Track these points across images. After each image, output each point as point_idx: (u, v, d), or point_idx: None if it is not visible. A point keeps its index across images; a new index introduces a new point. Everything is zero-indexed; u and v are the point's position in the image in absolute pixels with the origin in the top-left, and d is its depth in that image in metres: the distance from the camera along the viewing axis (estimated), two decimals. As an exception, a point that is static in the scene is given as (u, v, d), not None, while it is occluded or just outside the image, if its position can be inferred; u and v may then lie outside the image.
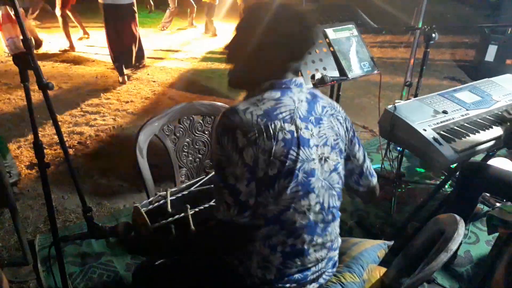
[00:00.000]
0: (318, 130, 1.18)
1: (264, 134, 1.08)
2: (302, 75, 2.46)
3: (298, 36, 1.16)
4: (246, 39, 1.16)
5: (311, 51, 2.60)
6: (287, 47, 1.16)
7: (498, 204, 2.58)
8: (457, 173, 2.22)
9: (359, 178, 1.34)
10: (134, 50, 5.07)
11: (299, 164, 1.11)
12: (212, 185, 1.49)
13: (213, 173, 1.36)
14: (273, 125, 1.09)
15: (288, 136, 1.10)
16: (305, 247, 1.20)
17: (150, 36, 6.98)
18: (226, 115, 1.11)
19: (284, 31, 1.13)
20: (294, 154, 1.10)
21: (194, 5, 7.41)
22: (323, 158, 1.18)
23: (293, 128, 1.11)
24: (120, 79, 4.90)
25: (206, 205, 1.39)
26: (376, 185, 1.40)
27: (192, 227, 1.29)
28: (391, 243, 1.59)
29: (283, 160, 1.09)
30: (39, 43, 5.94)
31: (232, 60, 1.25)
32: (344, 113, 1.30)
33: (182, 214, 1.33)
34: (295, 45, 1.17)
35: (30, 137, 3.44)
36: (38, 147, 1.39)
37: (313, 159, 1.15)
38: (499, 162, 2.61)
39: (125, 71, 4.97)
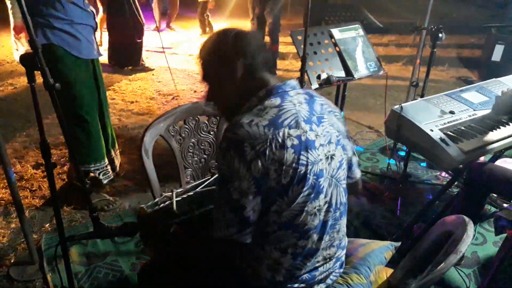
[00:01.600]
0: (321, 129, 1.18)
1: (273, 145, 1.07)
2: (308, 76, 2.46)
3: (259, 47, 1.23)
4: (213, 66, 1.24)
5: (317, 51, 2.61)
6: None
7: (505, 205, 2.56)
8: (464, 173, 2.20)
9: (348, 171, 1.35)
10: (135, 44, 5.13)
11: (309, 167, 1.11)
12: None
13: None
14: (280, 134, 1.08)
15: (296, 141, 1.09)
16: (314, 246, 1.20)
17: (154, 36, 6.99)
18: (230, 129, 1.10)
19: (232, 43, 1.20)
20: (304, 159, 1.10)
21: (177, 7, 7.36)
22: (329, 156, 1.18)
23: (299, 132, 1.11)
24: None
25: (212, 206, 1.39)
26: (359, 179, 1.42)
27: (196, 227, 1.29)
28: (398, 244, 1.58)
29: (295, 167, 1.08)
30: None
31: (214, 92, 1.29)
32: (338, 109, 1.32)
33: (188, 215, 1.33)
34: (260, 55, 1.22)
35: (36, 137, 3.45)
36: (45, 147, 1.39)
37: (321, 159, 1.14)
38: (506, 163, 2.59)
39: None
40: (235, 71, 1.19)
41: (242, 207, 1.08)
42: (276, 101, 1.15)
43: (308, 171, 1.10)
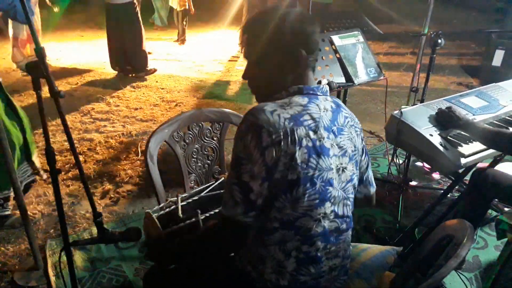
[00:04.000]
0: (338, 141, 1.19)
1: (289, 138, 1.08)
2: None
3: (307, 33, 1.19)
4: (264, 48, 1.19)
5: (317, 57, 2.63)
6: (301, 46, 1.18)
7: (506, 209, 2.57)
8: (464, 178, 2.21)
9: (358, 185, 1.35)
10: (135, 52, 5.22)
11: (318, 173, 1.12)
12: (222, 191, 1.51)
13: (223, 181, 1.39)
14: (298, 131, 1.09)
15: (311, 144, 1.11)
16: (319, 254, 1.20)
17: (158, 45, 7.05)
18: (252, 113, 1.11)
19: (296, 31, 1.17)
20: (315, 162, 1.11)
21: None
22: (341, 168, 1.19)
23: (316, 136, 1.12)
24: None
25: (217, 210, 1.41)
26: (373, 195, 1.41)
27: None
28: (400, 249, 1.59)
29: (302, 167, 1.10)
30: None
31: (253, 72, 1.25)
32: (360, 125, 1.32)
33: (193, 219, 1.35)
34: (307, 41, 1.20)
35: (41, 144, 3.49)
36: (50, 153, 1.42)
37: (332, 169, 1.16)
38: (506, 167, 2.60)
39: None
40: (289, 61, 1.19)
41: (250, 189, 1.10)
42: (303, 100, 1.16)
43: (316, 175, 1.12)
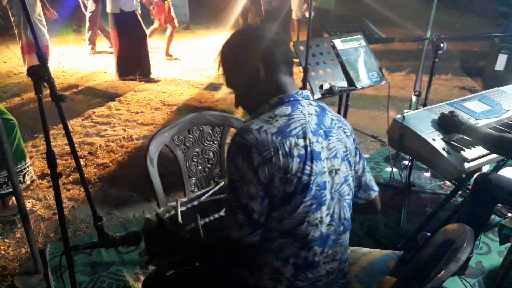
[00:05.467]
0: (327, 143, 1.18)
1: (280, 152, 1.08)
2: (311, 86, 2.48)
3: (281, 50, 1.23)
4: (240, 64, 1.23)
5: (319, 61, 2.63)
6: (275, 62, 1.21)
7: (510, 214, 2.55)
8: (467, 182, 2.20)
9: (358, 191, 1.34)
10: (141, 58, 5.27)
11: (313, 178, 1.12)
12: (222, 196, 1.50)
13: (224, 185, 1.37)
14: (288, 143, 1.09)
15: (302, 151, 1.11)
16: (316, 259, 1.20)
17: (160, 48, 7.06)
18: (239, 134, 1.11)
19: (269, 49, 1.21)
20: (309, 168, 1.11)
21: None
22: (334, 170, 1.19)
23: (305, 143, 1.12)
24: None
25: (216, 215, 1.40)
26: (376, 199, 1.39)
27: (202, 237, 1.30)
28: (401, 253, 1.57)
29: (299, 176, 1.10)
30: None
31: (231, 85, 1.30)
32: (350, 126, 1.31)
33: (193, 224, 1.33)
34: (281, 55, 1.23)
35: (42, 147, 3.49)
36: (51, 157, 1.41)
37: (325, 172, 1.15)
38: (509, 172, 2.58)
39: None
40: (254, 72, 1.21)
41: (251, 210, 1.09)
42: (287, 110, 1.16)
43: (312, 181, 1.11)
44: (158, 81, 5.45)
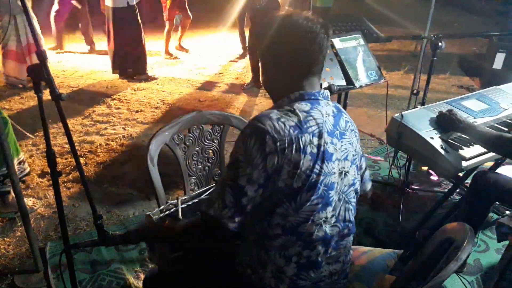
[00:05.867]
0: (340, 145, 1.20)
1: (293, 146, 1.08)
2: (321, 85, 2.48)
3: (312, 48, 1.18)
4: (273, 52, 1.21)
5: (323, 64, 2.63)
6: (306, 58, 1.18)
7: (507, 212, 2.57)
8: (465, 181, 2.21)
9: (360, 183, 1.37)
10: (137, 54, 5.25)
11: (321, 178, 1.12)
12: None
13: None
14: (303, 138, 1.10)
15: (315, 150, 1.11)
16: (319, 259, 1.21)
17: (159, 47, 7.06)
18: (258, 119, 1.12)
19: (301, 47, 1.17)
20: (318, 168, 1.12)
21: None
22: (343, 172, 1.20)
23: (320, 142, 1.13)
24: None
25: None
26: (369, 188, 1.48)
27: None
28: (400, 252, 1.58)
29: (308, 174, 1.10)
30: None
31: (263, 75, 1.31)
32: (357, 129, 1.33)
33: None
34: (312, 55, 1.19)
35: (42, 146, 3.50)
36: (50, 156, 1.42)
37: (334, 173, 1.16)
38: (507, 170, 2.60)
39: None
40: (289, 69, 1.20)
41: (244, 193, 1.09)
42: (306, 106, 1.16)
43: (320, 180, 1.12)
44: (156, 78, 5.44)
